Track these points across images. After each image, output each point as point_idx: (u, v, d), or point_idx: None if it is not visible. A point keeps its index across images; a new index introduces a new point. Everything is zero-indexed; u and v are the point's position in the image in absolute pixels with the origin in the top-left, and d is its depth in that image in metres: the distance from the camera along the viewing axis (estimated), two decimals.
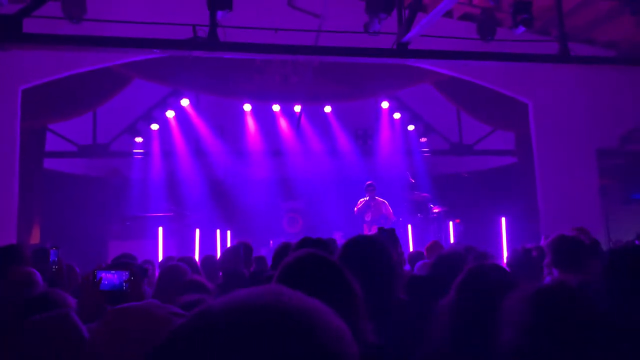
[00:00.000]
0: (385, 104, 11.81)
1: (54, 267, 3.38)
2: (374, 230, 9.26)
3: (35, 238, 9.21)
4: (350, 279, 1.59)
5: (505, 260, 7.56)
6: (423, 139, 12.20)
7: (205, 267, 4.92)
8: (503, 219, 9.14)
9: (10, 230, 8.33)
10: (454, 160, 12.25)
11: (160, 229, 8.75)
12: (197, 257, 7.60)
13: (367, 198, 9.97)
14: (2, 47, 5.11)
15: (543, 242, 5.85)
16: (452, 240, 9.83)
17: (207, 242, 9.42)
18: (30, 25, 5.45)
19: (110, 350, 1.09)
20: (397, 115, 12.02)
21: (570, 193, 9.92)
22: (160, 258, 8.29)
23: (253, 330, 0.58)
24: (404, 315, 2.36)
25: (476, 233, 9.87)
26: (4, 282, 2.93)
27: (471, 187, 11.65)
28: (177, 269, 3.70)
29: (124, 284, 2.43)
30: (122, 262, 3.29)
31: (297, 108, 11.27)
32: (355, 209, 10.01)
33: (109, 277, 2.45)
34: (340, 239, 10.35)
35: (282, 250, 4.10)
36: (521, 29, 6.89)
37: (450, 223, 10.15)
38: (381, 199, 9.98)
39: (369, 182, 10.04)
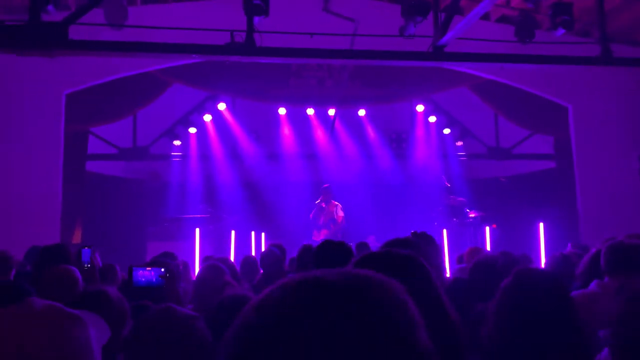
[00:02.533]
0: (420, 107, 11.73)
1: (86, 265, 3.48)
2: (323, 235, 9.20)
3: (77, 238, 9.50)
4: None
5: (543, 266, 7.41)
6: (459, 143, 12.06)
7: (244, 267, 5.01)
8: (541, 225, 8.96)
9: (54, 230, 8.61)
10: (491, 164, 12.07)
11: (197, 231, 8.91)
12: (232, 259, 7.70)
13: (319, 201, 9.60)
14: (49, 53, 5.32)
15: (569, 248, 5.75)
16: (488, 246, 9.68)
17: (242, 243, 9.54)
18: (74, 32, 5.64)
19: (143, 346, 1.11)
20: (432, 119, 11.91)
21: (610, 198, 9.64)
22: (197, 259, 8.44)
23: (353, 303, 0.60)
24: (441, 319, 2.35)
25: (513, 238, 9.69)
26: (45, 280, 3.05)
27: (508, 191, 11.46)
28: (216, 268, 3.78)
29: (160, 280, 2.51)
30: (158, 260, 3.37)
31: (332, 112, 11.31)
32: (311, 214, 9.68)
33: (146, 274, 2.53)
34: (373, 242, 10.31)
35: (304, 253, 4.14)
36: (561, 30, 6.75)
37: (487, 228, 10.00)
38: (335, 202, 9.66)
39: (324, 185, 9.73)
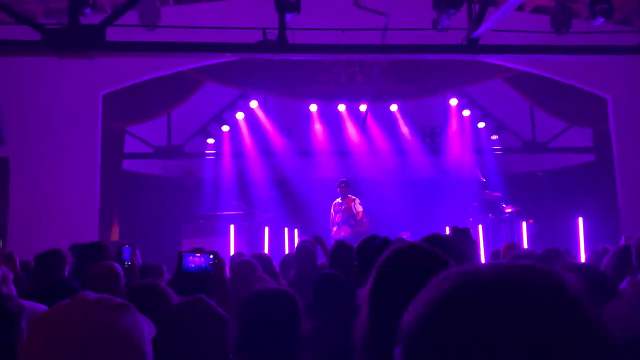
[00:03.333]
0: (453, 101, 11.56)
1: (126, 263, 3.56)
2: (344, 232, 8.97)
3: (115, 235, 9.72)
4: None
5: (584, 261, 7.23)
6: (494, 137, 11.84)
7: (283, 265, 5.05)
8: (580, 219, 8.74)
9: (93, 228, 8.84)
10: (527, 158, 11.83)
11: (232, 227, 9.00)
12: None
13: (339, 198, 9.25)
14: (88, 55, 5.45)
15: (622, 243, 5.56)
16: (525, 241, 9.50)
17: (276, 240, 9.60)
18: (110, 34, 5.76)
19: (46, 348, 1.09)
20: (466, 113, 11.72)
21: None
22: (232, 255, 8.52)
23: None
24: None
25: (551, 234, 9.49)
26: (90, 275, 3.14)
27: (545, 186, 11.21)
28: (248, 264, 3.81)
29: (209, 267, 2.57)
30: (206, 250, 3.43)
31: (363, 107, 11.26)
32: (330, 219, 9.30)
33: (196, 260, 2.59)
34: (407, 239, 10.24)
35: (339, 249, 4.13)
36: (600, 19, 6.56)
37: (524, 223, 9.80)
38: (353, 197, 9.28)
39: (341, 180, 9.32)
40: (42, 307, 2.42)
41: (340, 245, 4.28)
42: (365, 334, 1.39)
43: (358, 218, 9.18)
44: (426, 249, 1.52)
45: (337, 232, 9.14)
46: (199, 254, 2.63)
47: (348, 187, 9.29)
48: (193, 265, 2.59)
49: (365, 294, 1.41)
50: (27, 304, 2.11)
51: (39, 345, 1.07)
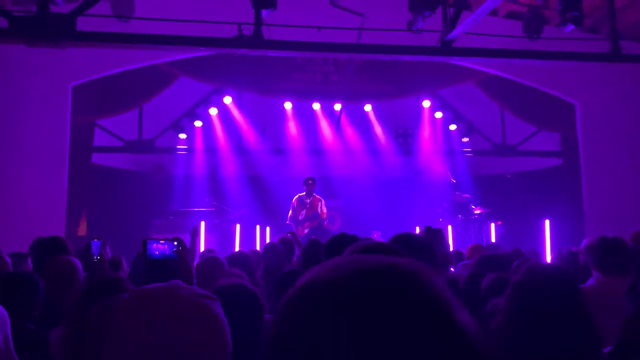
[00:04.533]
0: (426, 103, 11.69)
1: (95, 258, 3.51)
2: (306, 229, 9.08)
3: (82, 230, 9.54)
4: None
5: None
6: (465, 139, 12.01)
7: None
8: (547, 222, 8.93)
9: (60, 222, 8.65)
10: (497, 160, 12.02)
11: (203, 224, 8.92)
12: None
13: (304, 194, 9.31)
14: (58, 44, 5.32)
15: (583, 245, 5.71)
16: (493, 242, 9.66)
17: (247, 237, 9.55)
18: (81, 24, 5.64)
19: (134, 332, 1.09)
20: (438, 115, 11.86)
21: (617, 196, 9.61)
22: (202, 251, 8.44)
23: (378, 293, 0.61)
24: None
25: (519, 235, 9.68)
26: (49, 271, 3.08)
27: (514, 188, 11.42)
28: (214, 261, 3.79)
29: (173, 254, 2.55)
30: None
31: (338, 106, 11.29)
32: (290, 213, 9.33)
33: (160, 247, 2.57)
34: (378, 238, 10.32)
35: (312, 247, 4.13)
36: (570, 26, 6.69)
37: (492, 225, 9.98)
38: (318, 197, 9.37)
39: (308, 177, 9.38)
40: None
41: (313, 243, 4.28)
42: None
43: (323, 218, 9.26)
44: (389, 248, 1.53)
45: (300, 229, 9.12)
46: (162, 241, 2.60)
47: (315, 185, 9.35)
48: (157, 252, 2.56)
49: None
50: None
51: (135, 323, 1.06)
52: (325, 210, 9.35)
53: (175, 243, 2.56)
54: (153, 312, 1.08)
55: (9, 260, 3.81)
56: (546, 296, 1.95)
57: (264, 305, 2.20)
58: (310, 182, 9.27)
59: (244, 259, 4.44)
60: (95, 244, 3.47)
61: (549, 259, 8.18)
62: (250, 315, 2.12)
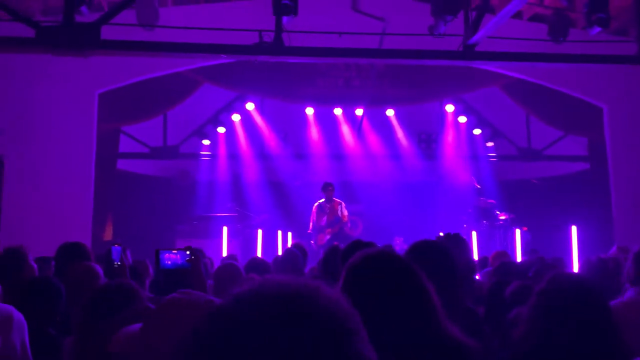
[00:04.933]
0: (450, 108, 11.58)
1: (116, 263, 3.54)
2: (328, 235, 9.00)
3: (108, 235, 9.69)
4: (421, 277, 1.57)
5: (576, 271, 7.22)
6: (490, 144, 11.86)
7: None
8: (574, 228, 8.75)
9: (86, 227, 8.79)
10: (522, 165, 11.85)
11: (225, 229, 8.98)
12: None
13: (323, 200, 9.25)
14: (82, 53, 5.43)
15: (612, 252, 5.54)
16: (518, 249, 9.50)
17: (269, 242, 9.58)
18: (106, 33, 5.74)
19: (163, 341, 1.10)
20: (462, 119, 11.74)
21: None
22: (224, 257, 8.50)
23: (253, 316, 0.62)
24: (470, 324, 2.32)
25: (545, 241, 9.49)
26: (69, 277, 3.13)
27: (540, 193, 11.22)
28: (231, 267, 3.80)
29: (186, 263, 2.57)
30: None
31: (359, 111, 11.27)
32: (311, 220, 9.26)
33: (172, 257, 2.59)
34: (401, 244, 10.24)
35: (331, 255, 4.10)
36: (596, 29, 6.56)
37: (517, 231, 9.81)
38: (338, 200, 9.30)
39: (326, 183, 9.31)
40: (9, 308, 2.39)
41: (333, 249, 4.25)
42: None
43: (344, 221, 9.22)
44: (391, 256, 1.53)
45: (321, 236, 9.11)
46: (175, 251, 2.63)
47: (334, 190, 9.33)
48: (169, 262, 2.59)
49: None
50: None
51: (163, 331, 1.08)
52: (346, 212, 9.31)
53: (188, 252, 2.58)
54: (178, 322, 1.10)
55: (35, 266, 3.87)
56: (570, 305, 1.92)
57: None
58: (329, 188, 9.24)
59: (262, 266, 4.44)
60: (116, 249, 3.51)
61: (576, 266, 8.01)
62: None
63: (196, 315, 1.10)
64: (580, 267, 4.66)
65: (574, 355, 1.85)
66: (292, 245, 5.26)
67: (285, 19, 5.93)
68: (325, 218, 9.20)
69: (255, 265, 4.80)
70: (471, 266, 4.20)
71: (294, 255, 4.74)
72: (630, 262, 3.16)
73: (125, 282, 2.28)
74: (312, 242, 9.22)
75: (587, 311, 1.91)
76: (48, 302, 2.80)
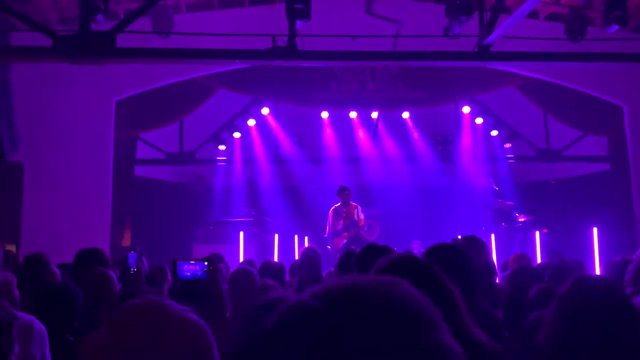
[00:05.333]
0: (466, 109, 11.48)
1: (132, 270, 3.55)
2: (344, 239, 8.91)
3: (126, 241, 9.77)
4: (445, 279, 1.55)
5: (599, 273, 7.10)
6: (507, 145, 11.71)
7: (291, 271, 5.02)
8: (595, 229, 8.61)
9: (104, 233, 8.88)
10: (541, 167, 11.69)
11: (242, 234, 9.00)
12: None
13: (339, 204, 9.22)
14: (98, 61, 5.49)
15: (638, 254, 5.41)
16: (538, 251, 9.37)
17: (286, 247, 9.57)
18: (122, 40, 5.80)
19: (121, 348, 1.09)
20: (479, 120, 11.62)
21: None
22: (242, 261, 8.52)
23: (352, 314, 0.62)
24: (489, 328, 2.28)
25: (565, 243, 9.34)
26: (85, 282, 3.14)
27: (560, 195, 11.06)
28: (245, 272, 3.79)
29: (204, 274, 2.56)
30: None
31: (375, 114, 11.23)
32: (327, 226, 9.22)
33: (190, 268, 2.58)
34: (418, 247, 10.15)
35: (347, 258, 4.08)
36: (614, 27, 6.46)
37: (537, 233, 9.67)
38: (354, 204, 9.26)
39: (342, 186, 9.27)
40: (31, 318, 2.40)
41: (349, 253, 4.24)
42: None
43: (361, 225, 9.15)
44: (417, 260, 1.50)
45: (338, 240, 9.07)
46: (193, 262, 2.62)
47: (350, 194, 9.30)
48: (188, 273, 2.57)
49: None
50: (19, 314, 2.09)
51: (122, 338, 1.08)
52: (362, 216, 9.27)
53: (206, 263, 2.57)
54: (141, 329, 1.08)
55: (57, 272, 3.91)
56: (594, 307, 1.89)
57: None
58: (345, 192, 9.22)
59: (276, 269, 4.43)
60: (132, 256, 3.53)
61: (597, 267, 7.88)
62: None
63: (161, 321, 1.09)
64: (603, 268, 4.57)
65: (599, 357, 1.82)
66: (306, 248, 5.23)
67: (298, 23, 5.94)
68: (341, 222, 9.17)
69: (269, 268, 4.80)
70: (490, 269, 4.14)
71: (313, 258, 4.73)
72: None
73: (138, 290, 2.27)
74: (329, 246, 9.20)
75: (612, 312, 1.88)
76: (66, 308, 2.82)
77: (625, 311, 1.91)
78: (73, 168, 8.87)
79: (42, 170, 8.78)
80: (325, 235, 9.31)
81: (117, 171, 9.34)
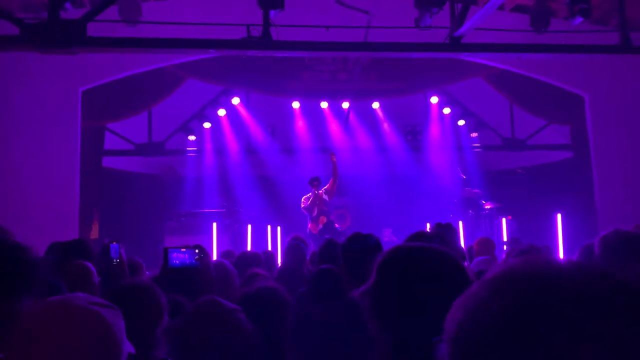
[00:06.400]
0: (434, 99, 11.67)
1: (115, 260, 3.52)
2: (322, 223, 9.16)
3: (94, 233, 9.60)
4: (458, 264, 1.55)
5: (562, 257, 7.35)
6: (474, 134, 11.98)
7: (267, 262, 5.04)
8: (559, 216, 8.89)
9: (73, 226, 8.71)
10: (507, 155, 11.98)
11: (215, 225, 8.95)
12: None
13: (310, 194, 9.43)
14: (69, 50, 5.36)
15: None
16: (504, 237, 9.64)
17: (259, 237, 9.58)
18: (89, 29, 5.66)
19: (28, 346, 1.12)
20: (447, 110, 11.83)
21: (628, 189, 9.56)
22: (215, 253, 8.48)
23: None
24: None
25: (530, 230, 9.64)
26: (64, 274, 3.10)
27: (524, 182, 11.38)
28: (220, 266, 3.80)
29: (194, 262, 2.57)
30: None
31: (346, 105, 11.29)
32: (302, 206, 9.44)
33: (180, 256, 2.58)
34: (389, 235, 10.33)
35: (328, 247, 4.14)
36: (579, 19, 6.67)
37: (503, 220, 9.95)
38: (321, 191, 9.47)
39: (313, 177, 9.48)
40: None
41: (329, 242, 4.30)
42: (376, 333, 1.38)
43: (329, 200, 9.46)
44: (440, 251, 1.49)
45: (314, 226, 9.22)
46: (184, 249, 2.62)
47: (320, 183, 9.46)
48: (178, 261, 2.58)
49: (371, 292, 1.40)
50: None
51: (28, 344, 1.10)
52: (326, 197, 9.48)
53: (197, 251, 2.58)
54: (45, 325, 1.11)
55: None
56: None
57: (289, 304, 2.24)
58: (315, 182, 9.36)
59: (253, 259, 4.46)
60: (114, 247, 3.48)
61: (561, 254, 8.16)
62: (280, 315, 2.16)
63: (64, 315, 1.12)
64: (578, 253, 4.69)
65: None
66: (293, 237, 5.27)
67: (272, 13, 5.92)
68: (315, 209, 9.28)
69: (246, 259, 4.82)
70: (460, 255, 4.27)
71: (300, 248, 4.77)
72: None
73: (138, 282, 2.26)
74: (308, 227, 9.42)
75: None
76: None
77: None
78: (39, 160, 8.65)
79: (6, 161, 8.54)
80: (310, 228, 9.40)
81: (85, 162, 9.15)
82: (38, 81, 8.61)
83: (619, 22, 6.90)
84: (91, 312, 1.13)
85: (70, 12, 6.00)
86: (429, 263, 1.40)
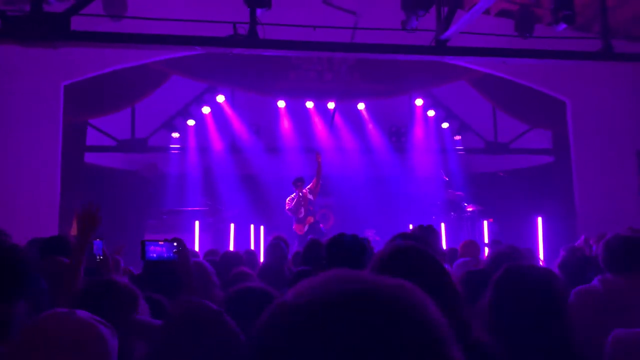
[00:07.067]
0: (419, 102, 11.73)
1: (98, 257, 3.48)
2: (309, 223, 9.23)
3: (75, 230, 9.47)
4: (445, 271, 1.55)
5: (543, 260, 7.45)
6: (457, 137, 12.07)
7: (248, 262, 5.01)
8: (539, 219, 9.01)
9: (52, 222, 8.59)
10: (489, 158, 12.10)
11: (197, 223, 8.90)
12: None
13: (294, 195, 9.49)
14: (53, 44, 5.28)
15: (581, 242, 5.71)
16: (486, 240, 9.73)
17: (242, 236, 9.54)
18: (72, 23, 5.59)
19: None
20: (431, 113, 11.91)
21: (608, 193, 9.71)
22: (197, 251, 8.43)
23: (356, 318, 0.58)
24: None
25: (511, 232, 9.75)
26: (44, 272, 3.06)
27: (506, 186, 11.50)
28: (198, 266, 3.76)
29: (172, 255, 2.49)
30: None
31: (331, 105, 11.30)
32: (287, 208, 9.50)
33: (157, 249, 2.51)
34: (372, 236, 10.36)
35: (312, 248, 4.14)
36: (562, 25, 6.75)
37: (485, 222, 10.05)
38: (305, 190, 9.54)
39: (297, 177, 9.56)
40: None
41: (313, 242, 4.30)
42: None
43: (314, 199, 9.50)
44: (422, 250, 1.50)
45: (300, 228, 9.21)
46: (161, 242, 2.55)
47: (304, 184, 9.49)
48: (155, 254, 2.50)
49: None
50: None
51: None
52: (310, 186, 9.52)
53: (175, 244, 2.52)
54: (42, 340, 1.13)
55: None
56: (524, 295, 1.89)
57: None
58: (298, 183, 9.38)
59: (234, 259, 4.44)
60: (97, 243, 3.45)
61: (542, 256, 8.27)
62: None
63: (60, 330, 1.14)
64: (563, 258, 4.73)
65: (527, 343, 1.82)
66: (274, 237, 5.25)
67: (259, 11, 5.90)
68: (302, 210, 9.31)
69: (228, 259, 4.79)
70: (441, 257, 4.29)
71: (281, 248, 4.76)
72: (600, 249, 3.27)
73: (111, 279, 2.21)
74: (293, 228, 9.42)
75: (542, 301, 1.88)
76: (32, 298, 2.73)
77: (554, 298, 1.91)
78: (19, 155, 8.52)
79: None
80: (296, 229, 9.39)
81: (66, 158, 9.03)
82: (20, 75, 8.48)
83: (602, 29, 7.01)
84: (93, 327, 1.15)
85: (54, 6, 5.91)
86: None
